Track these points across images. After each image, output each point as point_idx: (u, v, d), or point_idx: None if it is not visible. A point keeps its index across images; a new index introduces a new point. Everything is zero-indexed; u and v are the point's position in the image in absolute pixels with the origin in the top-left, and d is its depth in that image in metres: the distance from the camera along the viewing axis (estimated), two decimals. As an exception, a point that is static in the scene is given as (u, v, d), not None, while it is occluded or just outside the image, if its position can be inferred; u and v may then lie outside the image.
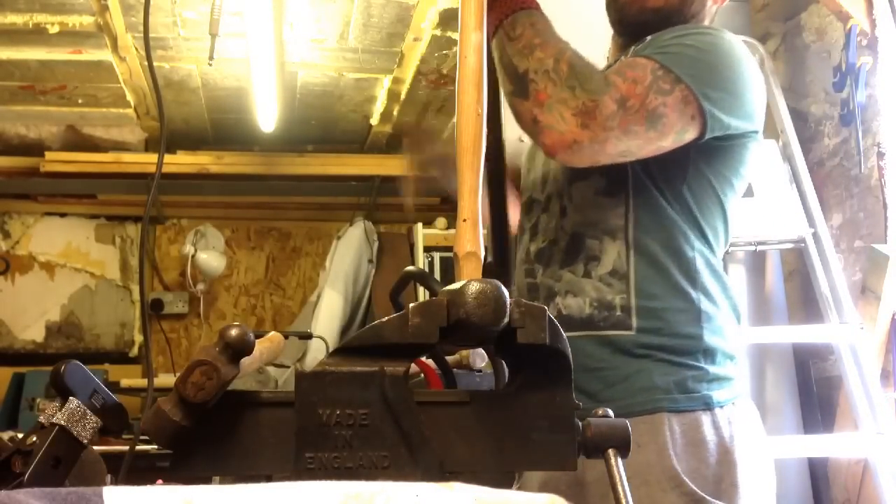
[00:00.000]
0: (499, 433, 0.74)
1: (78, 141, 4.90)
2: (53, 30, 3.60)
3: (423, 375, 1.89)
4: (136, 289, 5.19)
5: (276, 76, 3.96)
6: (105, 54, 3.88)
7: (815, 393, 3.05)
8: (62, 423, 0.77)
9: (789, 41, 3.37)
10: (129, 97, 4.39)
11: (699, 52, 1.28)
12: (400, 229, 5.34)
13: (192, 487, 0.62)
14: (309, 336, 4.41)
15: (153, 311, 5.04)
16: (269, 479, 0.71)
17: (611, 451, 0.76)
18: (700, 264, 1.34)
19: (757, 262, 2.99)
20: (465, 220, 0.84)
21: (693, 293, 1.33)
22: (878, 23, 2.78)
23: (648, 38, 1.36)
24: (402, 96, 4.47)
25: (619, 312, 1.32)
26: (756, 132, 1.36)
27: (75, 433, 0.77)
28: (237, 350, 0.70)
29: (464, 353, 2.00)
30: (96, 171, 4.88)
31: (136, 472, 0.99)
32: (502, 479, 0.74)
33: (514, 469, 0.75)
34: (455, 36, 0.95)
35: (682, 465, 1.24)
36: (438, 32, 3.72)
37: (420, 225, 4.93)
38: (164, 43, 3.84)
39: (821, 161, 3.14)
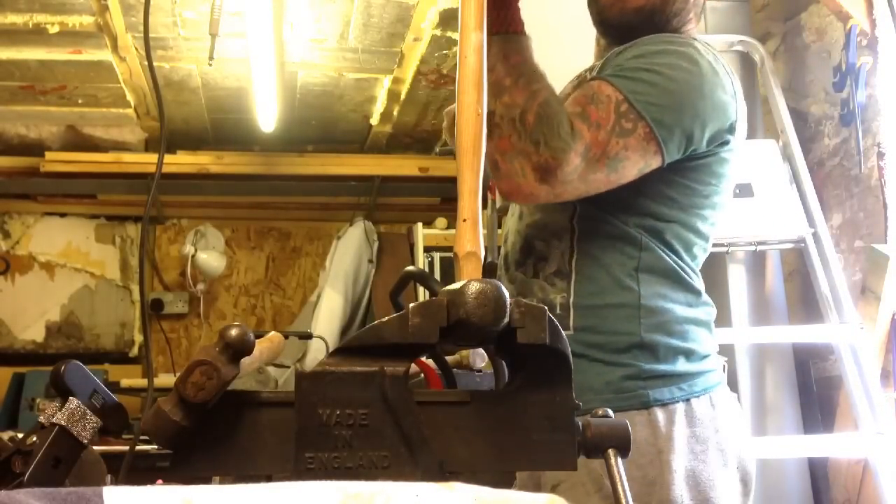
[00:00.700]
0: (499, 433, 0.74)
1: (78, 141, 4.90)
2: (53, 30, 3.60)
3: (423, 375, 1.89)
4: (136, 289, 5.19)
5: (276, 76, 3.96)
6: (105, 54, 3.88)
7: (815, 393, 3.05)
8: (62, 423, 0.77)
9: (789, 41, 3.37)
10: (129, 97, 4.39)
11: (665, 79, 1.26)
12: (400, 229, 5.34)
13: (191, 487, 0.62)
14: (309, 336, 4.41)
15: (153, 311, 5.04)
16: (269, 479, 0.71)
17: (611, 451, 0.76)
18: (648, 259, 1.32)
19: (757, 262, 2.99)
20: (465, 221, 0.84)
21: (635, 288, 1.31)
22: (878, 23, 2.78)
23: (623, 48, 1.34)
24: (402, 96, 4.47)
25: (558, 311, 1.32)
26: (727, 146, 1.33)
27: (75, 433, 0.77)
28: (237, 350, 0.70)
29: (464, 353, 2.00)
30: (96, 171, 4.88)
31: (136, 472, 0.99)
32: (502, 478, 0.74)
33: (514, 469, 0.75)
34: (455, 36, 0.95)
35: None
36: (438, 32, 3.72)
37: (420, 225, 4.93)
38: (165, 43, 3.84)
39: (821, 161, 3.14)
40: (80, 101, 4.48)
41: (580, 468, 1.02)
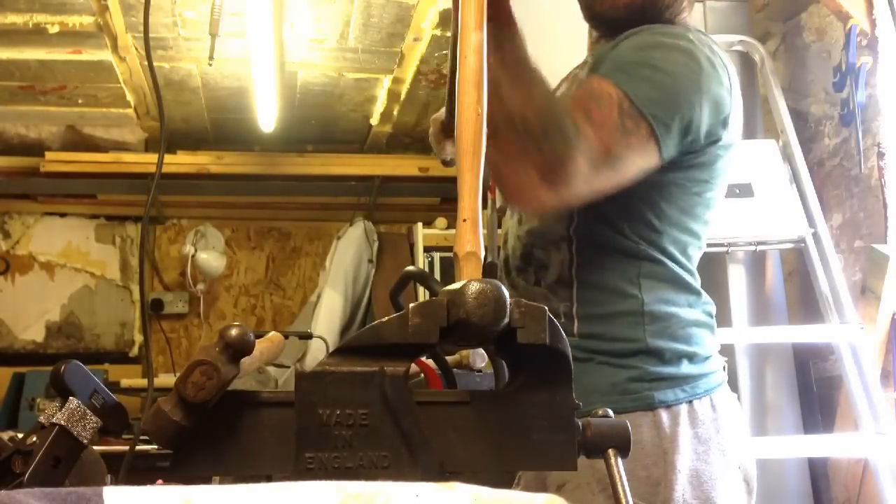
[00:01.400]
0: (499, 433, 0.74)
1: (78, 141, 4.90)
2: (53, 30, 3.61)
3: (423, 375, 1.90)
4: (136, 289, 5.19)
5: (276, 76, 3.96)
6: (105, 54, 3.88)
7: (815, 393, 3.05)
8: (62, 423, 0.77)
9: (789, 41, 3.37)
10: (129, 97, 4.39)
11: (662, 74, 1.25)
12: (400, 229, 5.34)
13: (191, 487, 0.62)
14: (309, 336, 4.41)
15: (153, 311, 5.04)
16: (269, 479, 0.71)
17: (611, 451, 0.76)
18: (648, 265, 1.32)
19: (757, 262, 2.99)
20: (465, 221, 0.83)
21: (637, 296, 1.31)
22: (878, 23, 2.78)
23: (618, 40, 1.33)
24: (402, 96, 4.47)
25: (562, 320, 1.32)
26: (720, 141, 1.32)
27: (75, 433, 0.77)
28: (237, 350, 0.70)
29: (464, 353, 2.00)
30: (96, 171, 4.89)
31: (136, 472, 0.99)
32: (502, 478, 0.74)
33: (514, 469, 0.75)
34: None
35: None
36: (438, 32, 3.72)
37: (420, 225, 4.93)
38: (165, 43, 3.84)
39: (821, 161, 3.14)
40: (80, 101, 4.48)
41: (585, 468, 1.02)
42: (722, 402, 1.33)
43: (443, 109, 1.50)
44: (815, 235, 2.88)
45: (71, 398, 0.78)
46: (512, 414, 0.74)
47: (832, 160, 3.10)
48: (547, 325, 0.73)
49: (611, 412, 0.79)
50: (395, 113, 4.69)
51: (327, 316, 4.78)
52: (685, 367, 1.31)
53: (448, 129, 1.46)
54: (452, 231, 0.99)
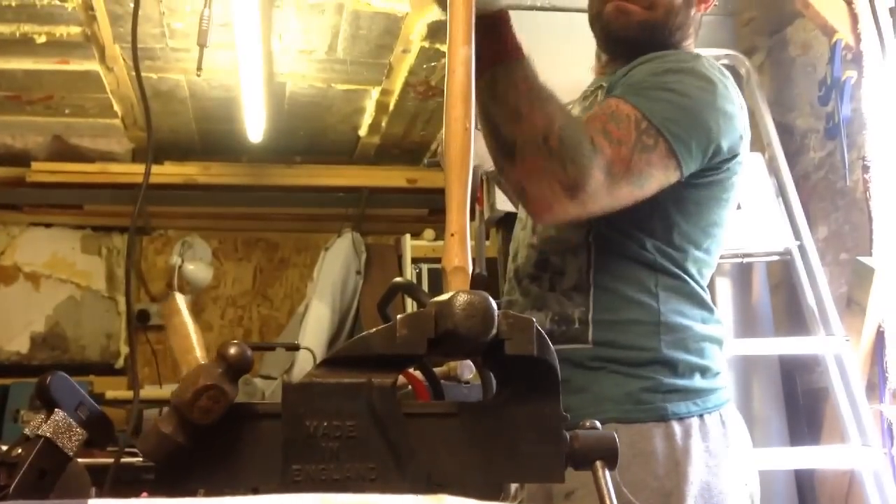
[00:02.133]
0: (486, 445, 0.74)
1: (64, 151, 4.88)
2: (41, 40, 3.59)
3: (410, 387, 1.89)
4: (122, 300, 5.16)
5: (264, 87, 3.96)
6: (92, 64, 3.87)
7: (801, 404, 3.06)
8: (48, 434, 0.76)
9: (775, 55, 3.40)
10: (116, 107, 4.38)
11: (679, 96, 1.29)
12: (388, 241, 5.34)
13: (177, 500, 0.61)
14: (296, 347, 4.40)
15: (139, 322, 5.01)
16: (255, 491, 0.71)
17: (598, 463, 0.76)
18: (665, 278, 1.35)
19: (743, 274, 3.00)
20: (452, 235, 0.83)
21: (654, 305, 1.33)
22: (862, 37, 2.81)
23: (630, 66, 1.36)
24: (391, 108, 4.47)
25: (577, 325, 1.33)
26: (735, 158, 1.36)
27: (61, 445, 0.77)
28: (238, 370, 0.70)
29: (451, 364, 2.00)
30: (83, 181, 4.86)
31: (121, 484, 0.98)
32: (490, 490, 0.74)
33: (501, 481, 0.75)
34: (443, 48, 0.95)
35: (626, 476, 1.23)
36: (427, 44, 3.73)
37: (408, 236, 4.93)
38: (153, 53, 3.83)
39: (806, 174, 3.16)
40: (66, 112, 4.46)
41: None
42: (730, 419, 1.35)
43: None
44: (801, 248, 2.89)
45: (57, 410, 0.78)
46: (499, 426, 0.74)
47: (818, 173, 3.12)
48: (535, 337, 0.73)
49: (598, 424, 0.79)
50: (384, 124, 4.69)
51: (315, 327, 4.76)
52: (698, 381, 1.33)
53: None
54: (440, 242, 0.99)
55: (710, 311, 1.40)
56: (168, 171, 4.93)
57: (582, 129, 1.21)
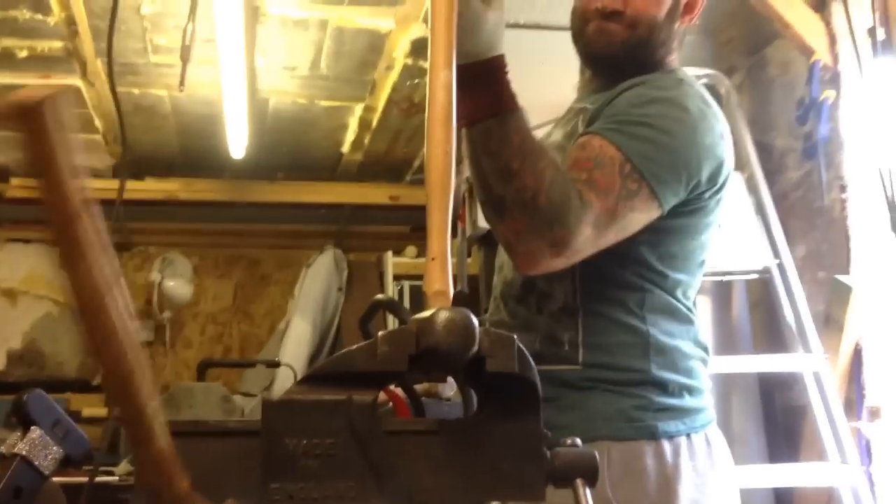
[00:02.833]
0: (467, 462, 0.74)
1: (44, 166, 4.84)
2: (22, 54, 3.58)
3: (391, 404, 1.88)
4: (100, 316, 5.11)
5: (247, 103, 3.95)
6: (74, 79, 3.85)
7: (780, 422, 3.07)
8: (24, 453, 0.75)
9: (754, 75, 3.44)
10: (98, 123, 4.36)
11: (659, 133, 1.29)
12: (370, 258, 5.33)
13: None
14: (277, 364, 4.37)
15: (118, 338, 4.96)
16: (234, 509, 0.70)
17: (579, 481, 0.76)
18: (651, 299, 1.35)
19: (723, 292, 3.02)
20: (433, 259, 0.83)
21: (642, 328, 1.34)
22: (840, 57, 2.84)
23: (614, 94, 1.36)
24: (374, 124, 4.48)
25: (566, 348, 1.34)
26: (716, 185, 1.36)
27: (37, 464, 0.76)
28: None
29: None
30: (62, 196, 4.82)
31: (97, 503, 0.97)
32: (470, 509, 0.73)
33: (482, 499, 0.75)
34: (427, 65, 0.95)
35: (618, 493, 1.24)
36: (410, 61, 3.75)
37: (390, 253, 4.93)
38: (135, 68, 3.82)
39: (785, 193, 3.19)
40: (47, 126, 4.43)
41: (601, 486, 1.02)
42: (714, 438, 1.36)
43: None
44: (780, 266, 2.92)
45: (33, 427, 0.77)
46: (480, 443, 0.74)
47: (796, 192, 3.15)
48: (516, 354, 0.73)
49: (579, 441, 0.79)
50: (367, 141, 4.70)
51: (295, 344, 4.74)
52: (687, 400, 1.34)
53: None
54: (422, 260, 0.99)
55: (696, 329, 1.41)
56: (149, 187, 4.90)
57: (569, 185, 1.21)
